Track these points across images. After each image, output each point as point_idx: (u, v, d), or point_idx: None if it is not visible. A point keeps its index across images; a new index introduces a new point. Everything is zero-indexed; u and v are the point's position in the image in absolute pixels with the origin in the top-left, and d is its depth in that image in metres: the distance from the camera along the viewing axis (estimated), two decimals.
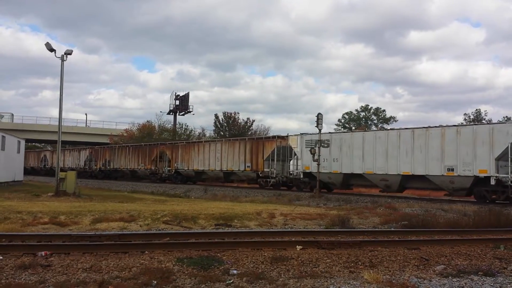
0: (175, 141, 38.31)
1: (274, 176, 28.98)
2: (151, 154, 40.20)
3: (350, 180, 25.76)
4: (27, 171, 62.64)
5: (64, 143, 64.11)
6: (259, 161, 29.69)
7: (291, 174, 28.37)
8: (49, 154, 59.75)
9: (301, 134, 27.97)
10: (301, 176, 27.29)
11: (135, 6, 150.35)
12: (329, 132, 26.12)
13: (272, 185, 29.07)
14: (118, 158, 44.41)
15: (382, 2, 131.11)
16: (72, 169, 47.80)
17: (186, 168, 36.21)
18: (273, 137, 30.91)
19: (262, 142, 30.18)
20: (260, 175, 29.89)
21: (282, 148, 28.79)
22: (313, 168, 25.74)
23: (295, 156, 27.65)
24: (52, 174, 49.69)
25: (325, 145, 25.47)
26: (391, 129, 26.45)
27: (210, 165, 33.70)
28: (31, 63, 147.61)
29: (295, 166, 27.83)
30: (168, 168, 38.22)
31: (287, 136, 29.48)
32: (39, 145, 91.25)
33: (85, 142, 67.06)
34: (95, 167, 48.62)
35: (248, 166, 30.70)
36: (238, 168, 31.43)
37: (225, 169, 32.47)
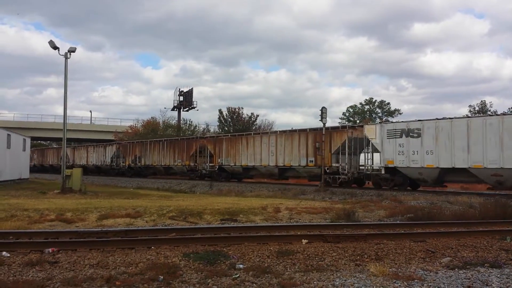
0: (218, 134, 35.44)
1: (346, 172, 24.97)
2: (189, 149, 36.24)
3: (447, 176, 21.96)
4: (45, 169, 60.90)
5: (69, 140, 64.27)
6: (325, 155, 25.37)
7: (362, 169, 25.00)
8: (70, 151, 55.68)
9: (381, 122, 26.01)
10: (382, 172, 23.60)
11: (138, 3, 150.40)
12: (419, 120, 22.46)
13: (341, 182, 25.15)
14: (151, 154, 40.52)
15: None
16: (97, 167, 49.12)
17: (233, 164, 32.09)
18: (343, 127, 27.38)
19: (329, 133, 25.97)
20: (328, 171, 25.39)
21: (354, 139, 24.96)
22: (398, 162, 22.50)
23: (370, 149, 24.32)
24: None
25: (415, 135, 21.93)
26: (505, 113, 23.68)
27: (263, 160, 29.48)
28: (36, 62, 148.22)
29: (370, 160, 24.44)
30: (210, 164, 34.23)
31: (361, 125, 27.10)
32: (44, 143, 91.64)
33: (90, 139, 67.27)
34: (123, 164, 44.56)
35: (311, 161, 26.59)
36: (298, 163, 27.37)
37: (281, 165, 28.49)
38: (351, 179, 25.18)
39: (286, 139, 28.55)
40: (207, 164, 34.58)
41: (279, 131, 31.69)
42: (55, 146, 62.88)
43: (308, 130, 27.82)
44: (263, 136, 30.74)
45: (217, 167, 33.52)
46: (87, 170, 48.70)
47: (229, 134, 33.81)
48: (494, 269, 7.07)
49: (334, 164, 25.62)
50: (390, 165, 23.07)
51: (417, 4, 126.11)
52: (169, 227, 10.92)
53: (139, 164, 42.10)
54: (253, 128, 58.45)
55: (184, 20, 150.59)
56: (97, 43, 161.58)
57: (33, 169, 59.66)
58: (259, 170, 30.84)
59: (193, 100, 67.54)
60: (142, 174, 42.83)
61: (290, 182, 31.17)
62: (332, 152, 25.72)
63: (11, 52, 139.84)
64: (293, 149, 27.89)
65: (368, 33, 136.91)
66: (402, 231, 10.57)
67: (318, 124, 26.08)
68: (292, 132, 28.96)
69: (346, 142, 25.02)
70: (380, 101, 79.15)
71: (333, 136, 26.00)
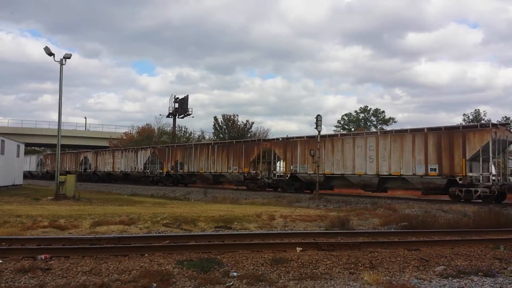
0: (290, 136, 29.00)
1: (490, 183, 19.70)
2: (249, 154, 30.78)
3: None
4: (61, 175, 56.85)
5: (63, 146, 64.00)
6: (455, 161, 20.62)
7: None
8: (91, 156, 50.29)
9: None
10: None
11: (135, 11, 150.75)
12: None
13: (481, 196, 19.93)
14: (196, 160, 35.05)
15: (380, 4, 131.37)
16: (126, 174, 44.01)
17: (311, 172, 26.40)
18: (484, 125, 21.40)
19: (461, 134, 20.87)
20: (460, 182, 20.39)
21: (498, 141, 20.13)
22: None
23: None
24: (96, 180, 46.78)
25: None
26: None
27: (356, 167, 24.29)
28: (32, 68, 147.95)
29: None
30: (280, 173, 29.33)
31: (506, 123, 22.41)
32: (38, 149, 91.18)
33: (84, 145, 66.99)
34: (161, 171, 38.98)
35: (433, 169, 21.38)
36: (412, 172, 22.11)
37: (385, 174, 23.27)
38: (495, 192, 19.64)
39: (392, 142, 23.16)
40: (275, 171, 29.63)
41: (380, 131, 27.90)
42: (73, 151, 56.54)
43: (425, 130, 22.34)
44: (357, 138, 24.98)
45: (288, 175, 28.20)
46: (112, 178, 46.64)
47: (305, 136, 28.05)
48: (488, 278, 7.09)
49: (471, 174, 20.36)
50: None
51: (412, 14, 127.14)
52: (163, 235, 10.87)
53: (180, 171, 36.50)
54: (248, 135, 58.47)
55: (180, 28, 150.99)
56: (93, 50, 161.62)
57: (45, 176, 56.33)
58: (349, 180, 25.25)
59: (188, 107, 67.50)
60: (184, 183, 37.86)
61: (393, 194, 26.41)
62: (467, 158, 20.32)
63: (7, 58, 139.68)
64: (404, 153, 22.63)
65: (363, 42, 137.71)
66: (396, 240, 10.57)
67: (313, 132, 26.05)
68: (401, 132, 23.55)
69: (490, 144, 19.73)
70: (375, 110, 79.49)
71: (468, 137, 20.59)
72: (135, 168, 41.99)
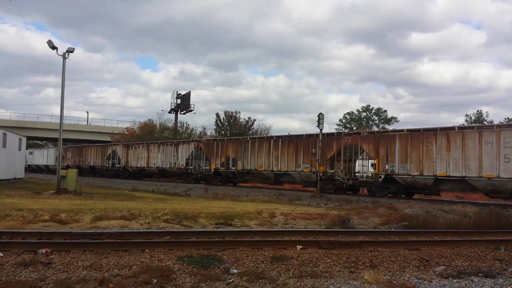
0: (385, 130, 25.17)
1: None
2: (326, 150, 25.58)
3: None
4: (82, 171, 47.02)
5: (65, 140, 64.04)
6: None
7: None
8: (121, 149, 44.46)
9: None
10: None
11: (138, 6, 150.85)
12: None
13: None
14: (254, 156, 29.94)
15: (384, 4, 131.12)
16: (162, 170, 38.88)
17: (416, 173, 21.69)
18: None
19: None
20: None
21: None
22: None
23: None
24: (126, 177, 41.98)
25: None
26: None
27: (484, 168, 19.31)
28: (35, 61, 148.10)
29: None
30: (368, 173, 24.75)
31: None
32: (40, 143, 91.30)
33: (85, 140, 67.06)
34: (207, 167, 34.12)
35: None
36: None
37: None
38: None
39: None
40: (356, 171, 25.39)
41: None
42: (99, 144, 51.37)
43: None
44: (485, 132, 19.91)
45: (381, 176, 23.29)
46: (145, 174, 41.91)
47: (405, 130, 23.43)
48: (488, 278, 7.08)
49: None
50: None
51: (416, 14, 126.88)
52: (164, 230, 10.89)
53: (233, 168, 31.52)
54: (250, 132, 58.49)
55: (184, 24, 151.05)
56: (97, 45, 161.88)
57: None
58: (471, 183, 20.25)
59: (190, 103, 67.54)
60: (234, 182, 33.15)
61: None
62: None
63: (10, 51, 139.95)
64: None
65: (366, 41, 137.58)
66: (397, 239, 10.57)
67: (315, 130, 26.00)
68: None
69: None
70: (377, 109, 79.39)
71: None
72: (175, 164, 36.93)
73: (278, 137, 30.00)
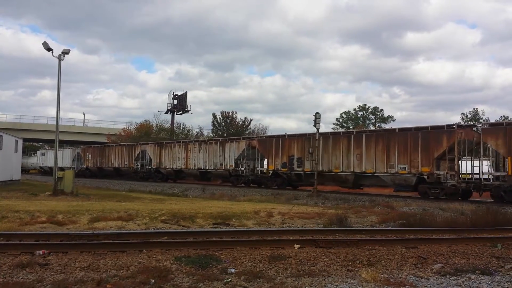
0: None
1: None
2: (431, 146, 21.50)
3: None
4: (105, 174, 46.17)
5: (61, 142, 63.78)
6: None
7: None
8: (153, 149, 40.06)
9: None
10: None
11: (135, 7, 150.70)
12: None
13: None
14: (327, 155, 25.84)
15: (379, 4, 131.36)
16: (204, 172, 34.85)
17: None
18: None
19: None
20: None
21: None
22: None
23: None
24: (160, 180, 38.90)
25: None
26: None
27: None
28: (31, 64, 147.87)
29: None
30: (496, 174, 20.11)
31: None
32: (36, 145, 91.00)
33: (82, 141, 66.91)
34: (262, 168, 30.26)
35: None
36: None
37: None
38: None
39: None
40: (488, 170, 20.61)
41: None
42: (126, 144, 46.81)
43: None
44: None
45: None
46: (182, 176, 38.26)
47: None
48: (485, 276, 7.10)
49: None
50: None
51: (410, 14, 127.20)
52: (161, 231, 10.87)
53: (298, 169, 27.25)
54: (247, 132, 58.47)
55: (180, 25, 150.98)
56: (93, 46, 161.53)
57: (84, 174, 47.87)
58: None
59: (187, 104, 67.53)
60: (294, 185, 29.28)
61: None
62: None
63: (6, 53, 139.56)
64: None
65: (361, 41, 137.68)
66: (394, 237, 10.59)
67: (312, 129, 25.92)
68: None
69: None
70: (373, 108, 79.56)
71: None
72: (221, 165, 32.89)
73: (360, 132, 25.98)
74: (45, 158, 59.41)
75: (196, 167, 35.11)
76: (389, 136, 23.36)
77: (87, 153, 49.84)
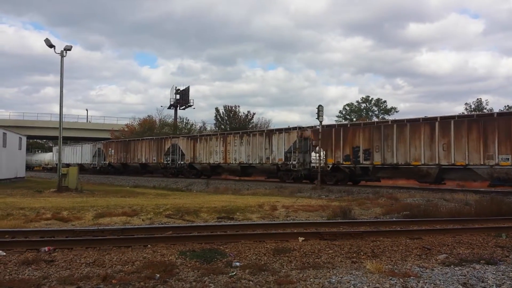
0: None
1: None
2: None
3: None
4: (130, 170, 43.48)
5: (65, 139, 63.94)
6: None
7: None
8: (185, 142, 36.68)
9: None
10: None
11: (136, 3, 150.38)
12: None
13: None
14: (402, 145, 22.54)
15: None
16: (246, 167, 31.26)
17: None
18: None
19: None
20: None
21: None
22: None
23: None
24: (194, 176, 35.73)
25: None
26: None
27: None
28: (34, 61, 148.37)
29: None
30: None
31: None
32: (40, 142, 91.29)
33: (85, 137, 67.09)
34: (314, 162, 26.73)
35: None
36: None
37: None
38: None
39: None
40: None
41: None
42: (154, 137, 43.23)
43: None
44: None
45: None
46: (219, 171, 34.89)
47: None
48: (490, 265, 7.10)
49: None
50: None
51: (413, 5, 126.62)
52: (166, 226, 10.91)
53: (365, 162, 23.97)
54: (250, 126, 58.44)
55: (182, 20, 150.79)
56: (96, 42, 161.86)
57: (107, 171, 45.81)
58: None
59: (189, 98, 67.52)
60: (363, 180, 26.18)
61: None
62: None
63: (9, 51, 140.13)
64: None
65: (364, 32, 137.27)
66: (398, 229, 10.60)
67: (315, 122, 25.76)
68: None
69: None
70: (376, 99, 79.27)
71: None
72: (268, 159, 29.42)
73: (446, 118, 21.66)
74: (62, 155, 57.37)
75: (237, 162, 31.53)
76: (486, 122, 20.07)
77: (110, 148, 46.69)
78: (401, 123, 23.02)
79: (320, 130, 25.10)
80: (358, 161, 24.29)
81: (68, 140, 69.72)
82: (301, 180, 27.70)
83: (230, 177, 34.10)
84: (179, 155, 37.33)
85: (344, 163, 25.03)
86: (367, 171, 24.44)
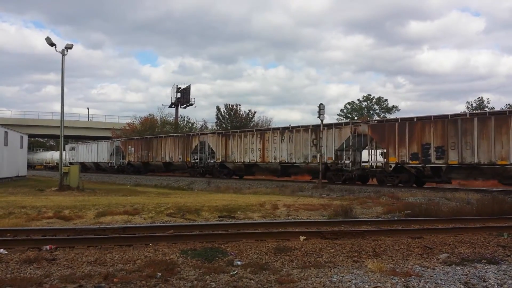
0: None
1: None
2: None
3: None
4: (153, 168, 40.79)
5: (66, 137, 64.07)
6: None
7: None
8: (215, 139, 33.66)
9: None
10: None
11: (137, 1, 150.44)
12: None
13: None
14: (485, 141, 19.91)
15: None
16: (287, 166, 28.31)
17: None
18: None
19: None
20: None
21: None
22: None
23: None
24: (225, 176, 32.90)
25: None
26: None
27: None
28: (35, 59, 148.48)
29: None
30: None
31: None
32: (42, 140, 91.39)
33: (87, 136, 67.11)
34: (379, 161, 24.68)
35: None
36: None
37: None
38: None
39: None
40: None
41: None
42: (179, 134, 40.36)
43: None
44: None
45: None
46: (254, 171, 31.63)
47: None
48: (491, 265, 7.09)
49: None
50: None
51: (414, 3, 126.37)
52: (167, 224, 10.91)
53: (438, 162, 21.21)
54: (251, 125, 58.42)
55: (183, 18, 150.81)
56: (97, 41, 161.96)
57: (126, 170, 42.89)
58: None
59: (190, 97, 67.49)
60: (431, 181, 23.01)
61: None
62: None
63: (10, 49, 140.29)
64: None
65: (365, 31, 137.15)
66: (400, 228, 10.59)
67: (316, 121, 25.75)
68: None
69: None
70: (377, 98, 79.22)
71: None
72: (315, 157, 26.30)
73: None
74: (75, 153, 54.03)
75: (278, 160, 28.52)
76: None
77: (129, 146, 43.22)
78: (483, 117, 20.46)
79: (321, 129, 24.96)
80: (429, 160, 21.41)
81: (69, 139, 69.71)
82: (354, 182, 24.97)
83: (267, 177, 31.30)
84: (207, 153, 34.68)
85: (411, 162, 22.04)
86: (438, 172, 21.58)
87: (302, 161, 27.19)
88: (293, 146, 27.75)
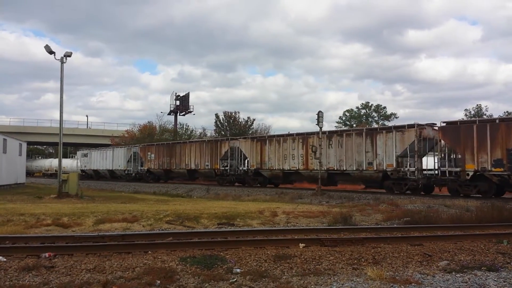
0: None
1: None
2: None
3: None
4: (176, 176, 38.48)
5: (65, 145, 64.00)
6: None
7: None
8: (248, 145, 31.17)
9: None
10: None
11: (136, 9, 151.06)
12: None
13: None
14: None
15: (380, 2, 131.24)
16: (336, 174, 25.84)
17: None
18: None
19: None
20: None
21: None
22: None
23: None
24: (260, 184, 30.20)
25: None
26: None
27: None
28: (35, 67, 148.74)
29: None
30: None
31: None
32: (41, 148, 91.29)
33: (86, 144, 67.04)
34: (454, 169, 20.86)
35: None
36: None
37: None
38: None
39: None
40: None
41: None
42: (206, 139, 38.87)
43: None
44: None
45: None
46: (294, 179, 29.24)
47: None
48: (491, 272, 7.08)
49: None
50: None
51: (411, 11, 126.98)
52: (166, 232, 10.88)
53: None
54: (250, 132, 58.45)
55: (182, 26, 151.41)
56: (96, 49, 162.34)
57: (145, 178, 40.73)
58: None
59: (189, 104, 67.57)
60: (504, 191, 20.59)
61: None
62: None
63: (10, 57, 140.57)
64: None
65: (363, 39, 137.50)
66: (399, 235, 10.57)
67: (315, 128, 25.86)
68: None
69: None
70: (376, 105, 79.33)
71: None
72: (370, 164, 23.71)
73: None
74: (88, 160, 51.33)
75: (325, 168, 25.70)
76: None
77: (149, 152, 40.53)
78: None
79: (320, 136, 24.99)
80: None
81: (68, 146, 69.61)
82: (419, 192, 22.36)
83: (309, 185, 28.48)
84: (239, 159, 31.85)
85: (494, 169, 19.21)
86: None
87: (354, 169, 24.45)
88: (343, 151, 25.04)
